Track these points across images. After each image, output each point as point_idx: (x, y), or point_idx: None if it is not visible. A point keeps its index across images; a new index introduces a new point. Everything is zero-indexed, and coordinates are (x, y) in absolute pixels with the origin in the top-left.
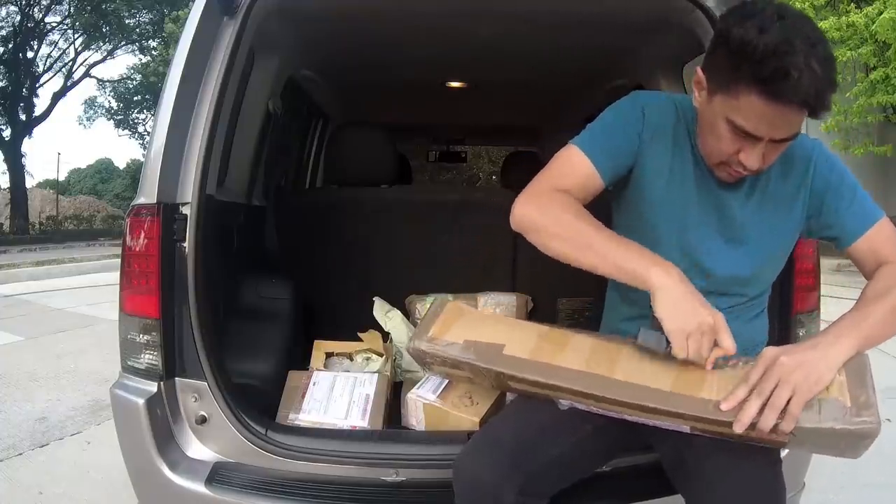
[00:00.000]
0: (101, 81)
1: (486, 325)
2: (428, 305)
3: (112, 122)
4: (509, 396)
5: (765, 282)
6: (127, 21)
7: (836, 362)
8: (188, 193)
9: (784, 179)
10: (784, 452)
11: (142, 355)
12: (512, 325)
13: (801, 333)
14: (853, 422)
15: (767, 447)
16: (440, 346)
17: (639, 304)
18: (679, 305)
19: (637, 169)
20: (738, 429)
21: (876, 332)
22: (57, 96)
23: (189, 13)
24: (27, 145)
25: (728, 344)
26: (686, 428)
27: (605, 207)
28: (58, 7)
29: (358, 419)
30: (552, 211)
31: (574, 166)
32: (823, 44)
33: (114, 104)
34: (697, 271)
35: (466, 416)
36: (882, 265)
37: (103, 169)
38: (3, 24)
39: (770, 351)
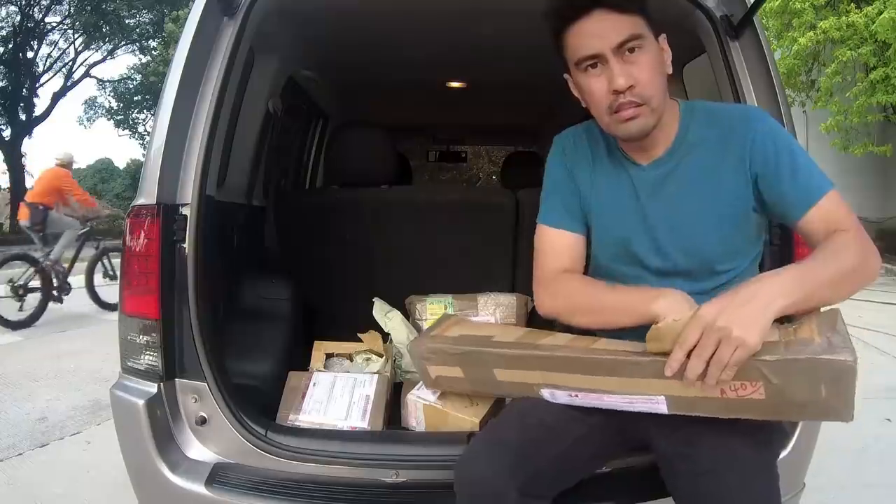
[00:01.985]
0: (101, 81)
1: (482, 327)
2: (428, 305)
3: (112, 122)
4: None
5: (729, 259)
6: (127, 21)
7: (770, 310)
8: (188, 194)
9: (713, 159)
10: (783, 454)
11: (142, 356)
12: (504, 327)
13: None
14: (823, 353)
15: (761, 453)
16: (438, 340)
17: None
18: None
19: (582, 201)
20: (669, 373)
21: (819, 294)
22: (57, 96)
23: (189, 13)
24: (27, 145)
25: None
26: (663, 407)
27: None
28: (58, 7)
29: (358, 420)
30: (561, 296)
31: (553, 243)
32: None
33: (114, 104)
34: (650, 273)
35: (466, 416)
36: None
37: (103, 169)
38: (3, 24)
39: (706, 310)
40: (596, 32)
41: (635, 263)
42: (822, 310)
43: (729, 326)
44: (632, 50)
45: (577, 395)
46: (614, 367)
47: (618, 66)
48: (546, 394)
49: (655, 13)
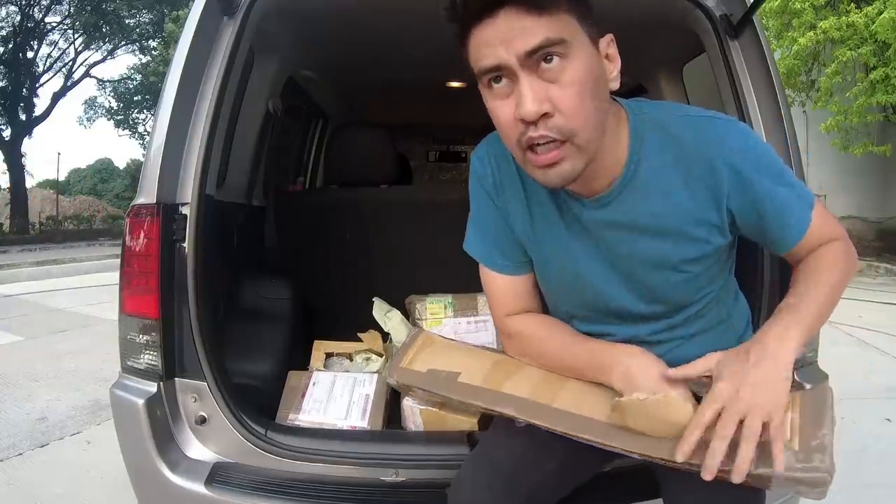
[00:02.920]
0: (101, 81)
1: (451, 353)
2: (428, 305)
3: (112, 122)
4: None
5: (699, 292)
6: (127, 21)
7: (789, 367)
8: (188, 193)
9: (673, 195)
10: None
11: (141, 355)
12: (474, 354)
13: None
14: (797, 468)
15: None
16: (406, 376)
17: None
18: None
19: (516, 237)
20: (708, 476)
21: (819, 323)
22: (57, 96)
23: (189, 13)
24: (27, 145)
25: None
26: (636, 456)
27: None
28: (58, 7)
29: (358, 419)
30: (525, 347)
31: (499, 288)
32: None
33: (114, 104)
34: (613, 316)
35: (465, 416)
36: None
37: (103, 169)
38: (3, 24)
39: (722, 387)
40: (502, 38)
41: (591, 309)
42: (809, 392)
43: (753, 400)
44: (549, 59)
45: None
46: (585, 428)
47: (528, 83)
48: (522, 422)
49: (654, 12)
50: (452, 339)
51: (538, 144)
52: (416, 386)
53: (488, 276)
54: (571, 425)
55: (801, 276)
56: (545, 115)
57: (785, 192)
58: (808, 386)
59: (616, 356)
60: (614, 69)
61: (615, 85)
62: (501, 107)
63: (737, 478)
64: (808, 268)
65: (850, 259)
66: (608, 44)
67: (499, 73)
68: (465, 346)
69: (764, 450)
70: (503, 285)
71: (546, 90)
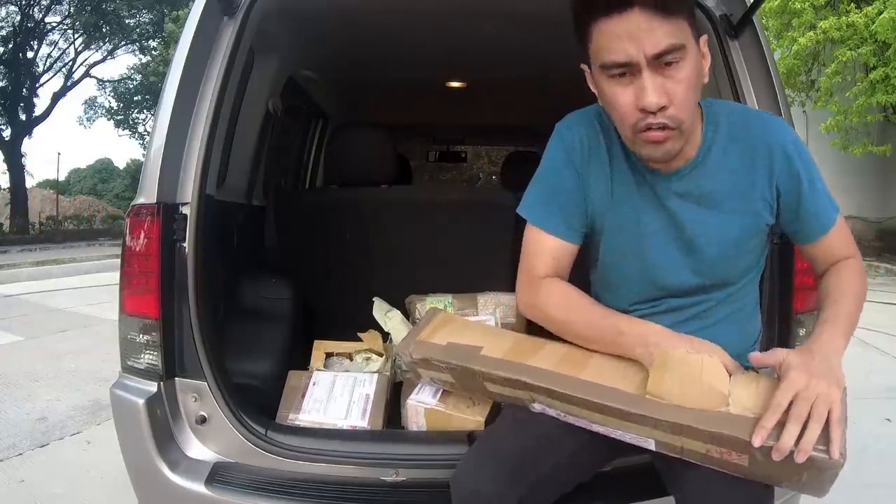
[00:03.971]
0: (101, 81)
1: (470, 331)
2: (428, 305)
3: (112, 122)
4: None
5: (733, 280)
6: (127, 21)
7: (841, 368)
8: (188, 193)
9: (737, 174)
10: None
11: (142, 355)
12: (494, 332)
13: (801, 333)
14: (816, 448)
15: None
16: (424, 349)
17: (622, 300)
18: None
19: (588, 205)
20: (777, 456)
21: (851, 331)
22: (57, 96)
23: (189, 13)
24: (27, 145)
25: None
26: (651, 444)
27: None
28: (58, 7)
29: (358, 419)
30: (549, 306)
31: (542, 246)
32: None
33: (114, 104)
34: (660, 290)
35: (470, 416)
36: (836, 261)
37: (103, 169)
38: (3, 24)
39: (796, 376)
40: (631, 36)
41: (648, 280)
42: None
43: (821, 390)
44: (670, 63)
45: (566, 416)
46: (602, 409)
47: (651, 80)
48: (536, 407)
49: None
50: (470, 320)
51: (652, 129)
52: (436, 358)
53: (538, 236)
54: (598, 394)
55: (832, 292)
56: (662, 108)
57: (821, 188)
58: None
59: (649, 329)
60: (706, 65)
61: (706, 80)
62: (622, 94)
63: (801, 456)
64: (834, 284)
65: (865, 275)
66: (704, 43)
67: (624, 69)
68: (484, 325)
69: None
70: (551, 247)
71: (664, 85)
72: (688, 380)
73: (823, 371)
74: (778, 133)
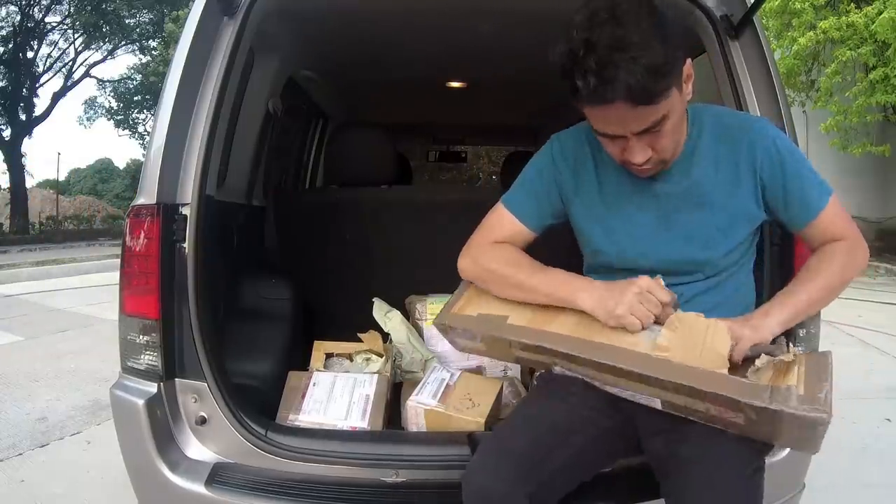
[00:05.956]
0: (101, 81)
1: (497, 303)
2: (428, 305)
3: (112, 122)
4: (508, 397)
5: (717, 263)
6: (127, 21)
7: (768, 325)
8: (188, 194)
9: (722, 169)
10: (781, 455)
11: (141, 356)
12: (516, 304)
13: (801, 334)
14: (801, 408)
15: (748, 453)
16: (459, 320)
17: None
18: (603, 297)
19: (569, 205)
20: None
21: (809, 310)
22: (57, 96)
23: (189, 13)
24: (27, 145)
25: (662, 295)
26: (657, 405)
27: None
28: (58, 7)
29: (358, 420)
30: (482, 262)
31: (502, 221)
32: (622, 39)
33: (114, 104)
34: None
35: (470, 417)
36: (826, 243)
37: (103, 169)
38: (3, 24)
39: (738, 328)
40: (618, 120)
41: (631, 262)
42: (814, 354)
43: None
44: (655, 130)
45: (583, 377)
46: (612, 371)
47: (637, 142)
48: (557, 370)
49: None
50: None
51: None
52: (469, 328)
53: (505, 216)
54: (610, 356)
55: (803, 271)
56: (648, 158)
57: (808, 174)
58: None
59: (580, 281)
60: (690, 84)
61: (690, 95)
62: (610, 145)
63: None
64: (811, 264)
65: (855, 259)
66: (688, 67)
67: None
68: (506, 300)
69: (778, 391)
70: (510, 227)
71: (650, 142)
72: (693, 341)
73: (753, 325)
74: (759, 130)
